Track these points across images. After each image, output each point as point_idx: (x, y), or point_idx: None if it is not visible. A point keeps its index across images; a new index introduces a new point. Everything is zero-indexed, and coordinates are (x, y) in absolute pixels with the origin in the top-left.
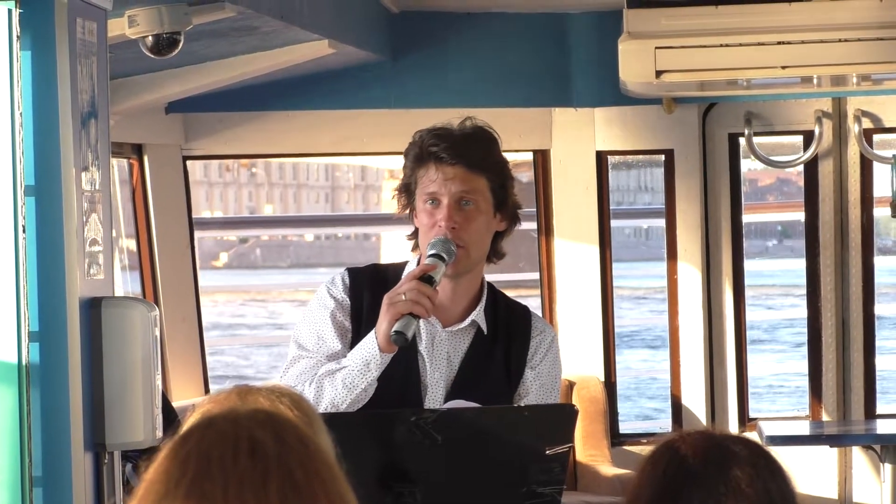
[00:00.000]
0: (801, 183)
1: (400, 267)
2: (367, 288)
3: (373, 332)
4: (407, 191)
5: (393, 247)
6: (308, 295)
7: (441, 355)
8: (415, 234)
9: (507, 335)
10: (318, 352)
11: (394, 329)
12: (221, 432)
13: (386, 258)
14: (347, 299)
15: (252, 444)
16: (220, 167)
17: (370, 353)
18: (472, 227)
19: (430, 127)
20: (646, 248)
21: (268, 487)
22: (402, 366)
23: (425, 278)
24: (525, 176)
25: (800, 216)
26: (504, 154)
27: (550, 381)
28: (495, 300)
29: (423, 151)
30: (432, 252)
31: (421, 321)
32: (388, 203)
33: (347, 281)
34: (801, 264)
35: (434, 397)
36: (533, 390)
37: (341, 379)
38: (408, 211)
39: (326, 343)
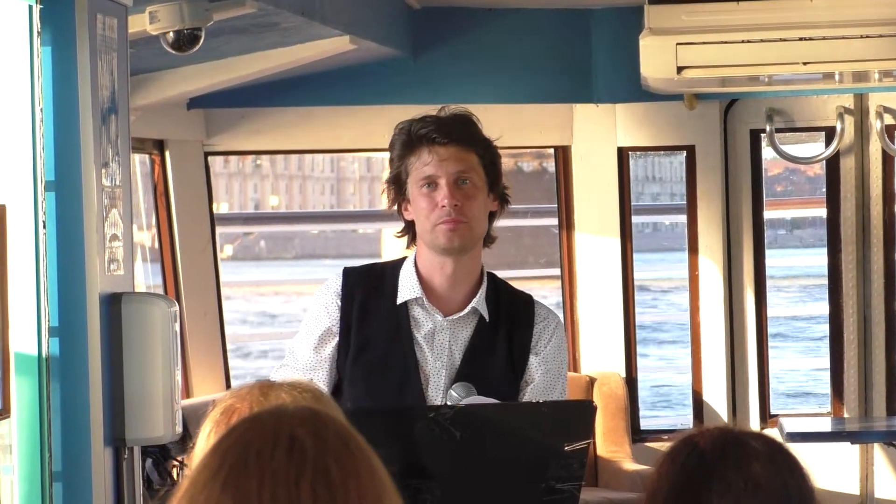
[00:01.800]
0: (811, 173)
1: (398, 264)
2: (360, 289)
3: None
4: (397, 182)
5: (393, 242)
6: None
7: (442, 344)
8: (405, 230)
9: (510, 322)
10: (298, 361)
11: None
12: (263, 427)
13: (387, 251)
14: (339, 301)
15: (291, 440)
16: (223, 158)
17: None
18: (473, 204)
19: (412, 117)
20: (652, 240)
21: (300, 484)
22: (400, 358)
23: None
24: (529, 165)
25: (816, 212)
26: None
27: (556, 366)
28: (496, 288)
29: (413, 136)
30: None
31: (420, 311)
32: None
33: (341, 282)
34: (814, 256)
35: (436, 387)
36: (538, 376)
37: None
38: (396, 206)
39: (305, 353)
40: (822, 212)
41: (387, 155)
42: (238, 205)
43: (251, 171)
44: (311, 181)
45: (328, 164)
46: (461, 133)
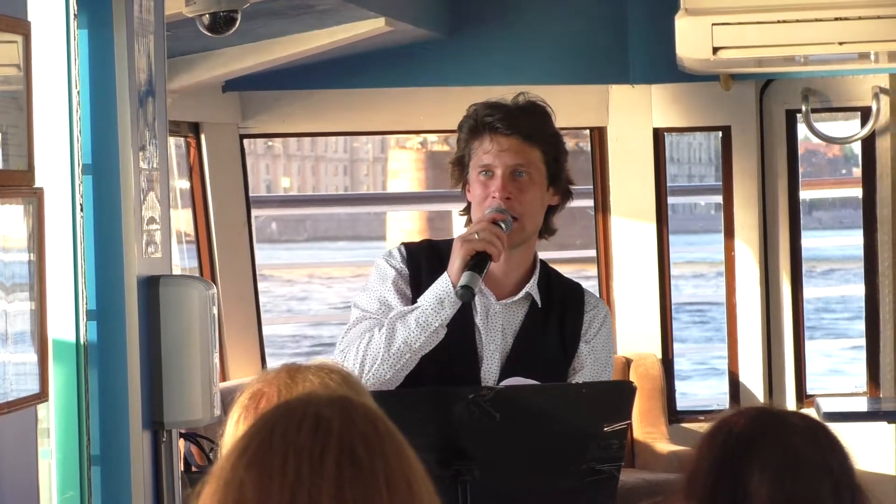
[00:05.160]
0: (830, 154)
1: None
2: (424, 259)
3: (444, 273)
4: (460, 164)
5: (398, 224)
6: None
7: (496, 327)
8: (467, 210)
9: (561, 309)
10: (382, 314)
11: (460, 284)
12: (291, 409)
13: (392, 231)
14: (406, 268)
15: (317, 419)
16: None
17: (444, 290)
18: (525, 198)
19: (485, 101)
20: (678, 222)
21: (325, 460)
22: (459, 337)
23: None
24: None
25: (835, 193)
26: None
27: (605, 355)
28: (548, 276)
29: (478, 123)
30: (494, 210)
31: (476, 293)
32: (395, 173)
33: (405, 253)
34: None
35: (489, 369)
36: (588, 364)
37: (414, 318)
38: (460, 187)
39: (390, 306)
40: (841, 192)
41: (420, 137)
42: (251, 186)
43: (263, 152)
44: (325, 162)
45: (342, 145)
46: (527, 126)
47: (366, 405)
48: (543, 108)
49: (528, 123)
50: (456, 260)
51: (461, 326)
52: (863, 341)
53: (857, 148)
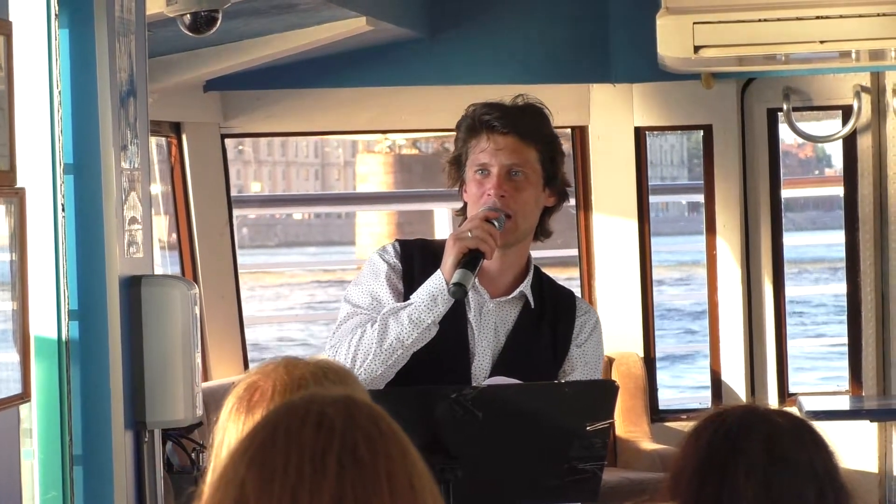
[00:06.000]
0: (802, 155)
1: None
2: (418, 254)
3: (438, 270)
4: (457, 163)
5: (368, 228)
6: None
7: (489, 325)
8: (463, 210)
9: (553, 313)
10: (374, 310)
11: (452, 281)
12: (294, 407)
13: (361, 235)
14: (399, 263)
15: (320, 417)
16: None
17: (437, 287)
18: (521, 197)
19: (484, 101)
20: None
21: (326, 457)
22: (452, 332)
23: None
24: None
25: (818, 192)
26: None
27: (594, 360)
28: (541, 280)
29: (476, 121)
30: (488, 208)
31: (470, 290)
32: (363, 177)
33: (398, 248)
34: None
35: (481, 366)
36: (578, 367)
37: (407, 315)
38: (457, 186)
39: (382, 302)
40: (818, 192)
41: (389, 141)
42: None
43: (233, 157)
44: (296, 166)
45: (312, 150)
46: (525, 126)
47: (369, 404)
48: (541, 110)
49: (526, 123)
50: (449, 257)
51: (454, 322)
52: (835, 341)
53: (829, 149)
